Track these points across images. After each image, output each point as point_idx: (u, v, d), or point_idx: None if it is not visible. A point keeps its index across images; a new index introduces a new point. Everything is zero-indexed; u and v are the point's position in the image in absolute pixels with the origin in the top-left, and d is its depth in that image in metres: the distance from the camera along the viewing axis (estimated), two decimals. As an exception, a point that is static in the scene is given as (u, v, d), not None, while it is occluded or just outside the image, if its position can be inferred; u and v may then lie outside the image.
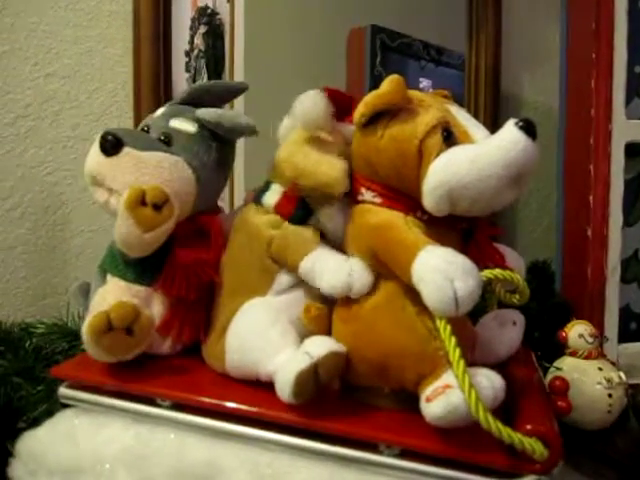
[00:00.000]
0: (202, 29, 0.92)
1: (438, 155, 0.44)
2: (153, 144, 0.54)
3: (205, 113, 0.55)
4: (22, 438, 0.50)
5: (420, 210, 0.46)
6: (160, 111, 0.58)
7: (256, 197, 0.54)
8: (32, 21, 0.84)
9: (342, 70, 0.95)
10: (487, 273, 0.44)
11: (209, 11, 0.92)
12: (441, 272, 0.39)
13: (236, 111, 0.57)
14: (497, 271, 0.44)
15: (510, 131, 0.43)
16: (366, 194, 0.49)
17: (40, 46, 0.85)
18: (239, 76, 0.89)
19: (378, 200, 0.48)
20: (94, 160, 0.52)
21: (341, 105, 0.50)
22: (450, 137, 0.45)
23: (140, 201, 0.48)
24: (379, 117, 0.46)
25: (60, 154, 0.86)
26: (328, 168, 0.48)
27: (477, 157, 0.43)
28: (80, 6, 0.86)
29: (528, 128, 0.42)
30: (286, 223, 0.51)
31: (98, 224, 0.87)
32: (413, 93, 0.48)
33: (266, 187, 0.53)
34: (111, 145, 0.51)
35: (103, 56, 0.88)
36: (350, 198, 0.50)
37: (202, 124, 0.55)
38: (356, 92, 0.94)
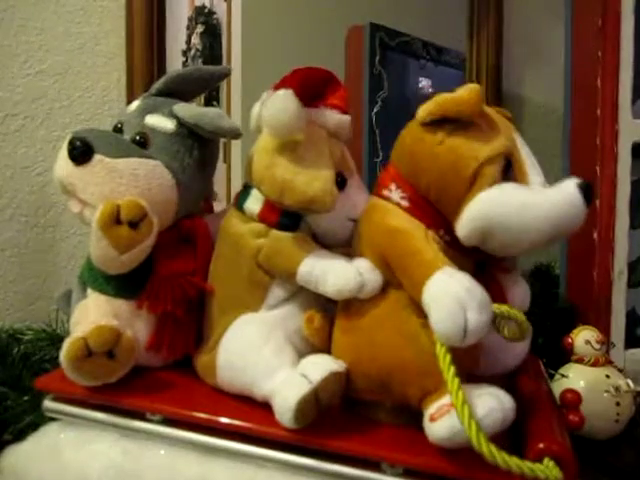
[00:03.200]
0: (199, 28, 0.91)
1: (492, 185, 0.41)
2: (127, 148, 0.49)
3: (183, 111, 0.51)
4: (4, 453, 0.48)
5: (443, 229, 0.44)
6: (134, 105, 0.54)
7: (237, 202, 0.50)
8: (21, 17, 0.82)
9: (341, 69, 0.94)
10: (495, 308, 0.41)
11: (206, 10, 0.92)
12: (457, 299, 0.37)
13: (217, 111, 0.52)
14: (505, 308, 0.41)
15: (570, 192, 0.40)
16: (394, 192, 0.45)
17: (30, 43, 0.83)
18: (236, 75, 0.89)
19: (405, 204, 0.45)
20: (63, 168, 0.48)
21: (315, 89, 0.46)
22: (509, 171, 0.42)
23: (115, 219, 0.45)
24: (445, 122, 0.43)
25: (51, 154, 0.84)
26: (311, 180, 0.44)
27: (529, 206, 0.40)
28: (72, 2, 0.84)
29: (587, 192, 0.40)
30: (273, 231, 0.47)
31: (89, 226, 0.85)
32: (487, 109, 0.45)
33: (246, 192, 0.50)
34: (80, 153, 0.47)
35: (95, 53, 0.86)
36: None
37: (181, 120, 0.51)
38: (354, 91, 0.93)
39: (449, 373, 0.38)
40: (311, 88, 0.45)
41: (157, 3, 0.84)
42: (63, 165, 0.48)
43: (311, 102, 0.46)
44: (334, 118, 0.49)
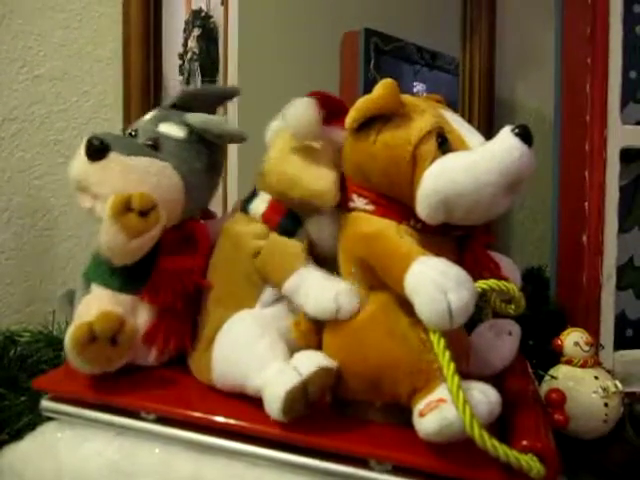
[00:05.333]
0: (196, 32, 0.91)
1: (433, 162, 0.43)
2: (140, 149, 0.52)
3: (193, 118, 0.54)
4: (2, 453, 0.49)
5: (413, 218, 0.45)
6: (149, 115, 0.57)
7: (243, 205, 0.53)
8: (19, 22, 0.83)
9: (336, 73, 0.94)
10: (482, 284, 0.43)
11: (203, 14, 0.92)
12: (434, 284, 0.38)
13: (224, 118, 0.56)
14: (492, 281, 0.43)
15: (506, 138, 0.42)
16: (358, 201, 0.47)
17: (28, 48, 0.84)
18: (233, 79, 0.89)
19: (370, 208, 0.47)
20: (79, 165, 0.51)
21: (331, 109, 0.49)
22: (445, 143, 0.44)
23: (126, 207, 0.47)
24: (372, 122, 0.45)
25: (48, 158, 0.85)
26: (318, 178, 0.47)
27: (473, 165, 0.42)
28: (69, 7, 0.85)
29: (524, 135, 0.41)
30: (273, 234, 0.49)
31: (86, 229, 0.86)
32: (406, 98, 0.47)
33: (253, 195, 0.52)
34: (96, 150, 0.50)
35: (92, 58, 0.87)
36: (341, 206, 0.48)
37: (191, 129, 0.54)
38: (350, 96, 0.94)
39: (444, 358, 0.38)
40: (328, 107, 0.48)
41: (154, 8, 0.84)
42: (79, 163, 0.51)
43: (325, 120, 0.48)
44: (344, 137, 0.50)
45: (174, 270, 0.51)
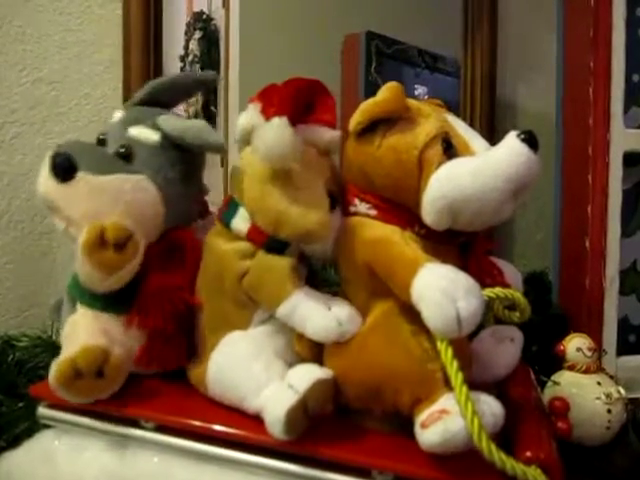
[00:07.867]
0: (197, 34, 0.91)
1: (438, 166, 0.43)
2: (111, 164, 0.48)
3: (167, 124, 0.50)
4: (-1, 459, 0.48)
5: (418, 224, 0.44)
6: (118, 116, 0.52)
7: (223, 218, 0.49)
8: (18, 25, 0.82)
9: (337, 76, 0.94)
10: (488, 292, 0.42)
11: (204, 17, 0.92)
12: (443, 292, 0.37)
13: (203, 124, 0.50)
14: (498, 290, 0.42)
15: (512, 143, 0.41)
16: (360, 206, 0.47)
17: (27, 51, 0.83)
18: (234, 82, 0.89)
19: (373, 212, 0.46)
20: (46, 185, 0.47)
21: (304, 104, 0.45)
22: (450, 148, 0.43)
23: (99, 243, 0.44)
24: (376, 125, 0.44)
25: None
26: (306, 213, 0.42)
27: (479, 170, 0.41)
28: (69, 10, 0.85)
29: (530, 140, 0.41)
30: (260, 252, 0.46)
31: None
32: (411, 101, 0.46)
33: (233, 208, 0.48)
34: (63, 170, 0.46)
35: (92, 61, 0.86)
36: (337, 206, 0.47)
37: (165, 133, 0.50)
38: (351, 99, 0.94)
39: (452, 367, 0.38)
40: (301, 105, 0.44)
41: (154, 11, 0.84)
42: (46, 181, 0.47)
43: (301, 118, 0.45)
44: (325, 135, 0.47)
45: (162, 289, 0.48)
